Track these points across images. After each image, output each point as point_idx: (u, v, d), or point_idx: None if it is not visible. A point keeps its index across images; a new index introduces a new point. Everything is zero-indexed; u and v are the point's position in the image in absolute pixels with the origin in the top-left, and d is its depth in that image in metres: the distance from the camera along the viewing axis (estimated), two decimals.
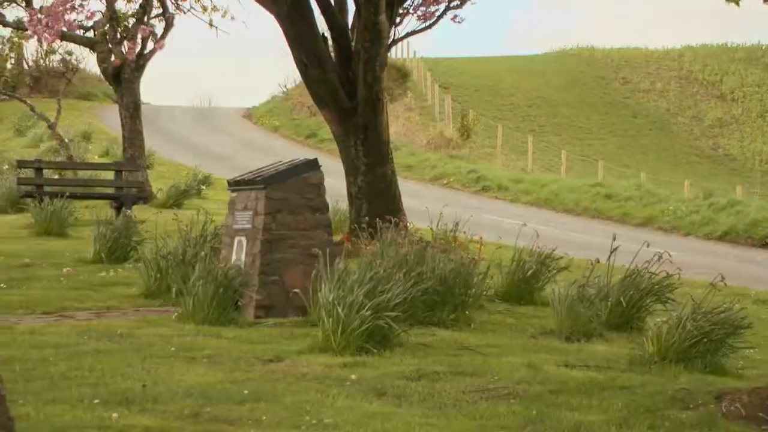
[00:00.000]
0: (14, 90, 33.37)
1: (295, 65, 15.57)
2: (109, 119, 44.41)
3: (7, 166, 25.59)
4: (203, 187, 24.23)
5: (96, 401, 6.19)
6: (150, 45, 22.85)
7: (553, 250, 11.77)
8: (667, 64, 54.65)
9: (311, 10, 15.23)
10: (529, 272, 11.91)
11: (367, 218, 13.51)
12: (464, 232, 12.91)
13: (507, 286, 11.90)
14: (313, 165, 10.94)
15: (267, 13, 15.21)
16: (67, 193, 18.00)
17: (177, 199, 21.90)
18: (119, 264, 13.62)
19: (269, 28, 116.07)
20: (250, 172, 11.24)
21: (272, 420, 5.95)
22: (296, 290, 10.48)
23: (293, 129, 43.37)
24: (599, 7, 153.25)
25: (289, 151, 37.93)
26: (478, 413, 6.30)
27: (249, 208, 10.70)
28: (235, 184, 10.99)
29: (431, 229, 12.75)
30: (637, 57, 56.23)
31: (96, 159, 29.77)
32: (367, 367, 7.64)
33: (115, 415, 5.85)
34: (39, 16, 19.96)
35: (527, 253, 11.92)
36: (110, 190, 20.02)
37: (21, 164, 19.88)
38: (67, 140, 26.61)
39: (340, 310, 8.26)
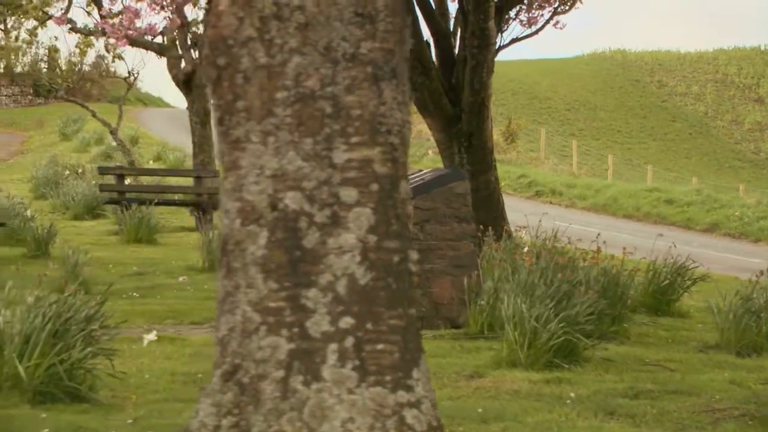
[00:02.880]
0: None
1: None
2: (146, 123, 44.33)
3: (67, 171, 25.50)
4: None
5: None
6: None
7: (693, 261, 11.66)
8: (701, 68, 54.44)
9: (416, 17, 15.07)
10: (665, 283, 11.80)
11: (481, 226, 13.36)
12: (567, 240, 12.73)
13: (642, 297, 11.79)
14: (459, 174, 10.82)
15: None
16: (156, 200, 17.92)
17: None
18: None
19: None
20: None
21: None
22: (445, 302, 10.41)
23: None
24: (599, 7, 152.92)
25: None
26: None
27: None
28: None
29: (533, 237, 12.59)
30: (670, 60, 56.01)
31: (151, 164, 29.70)
32: (573, 384, 7.48)
33: None
34: (115, 20, 19.87)
35: (662, 264, 11.83)
36: (179, 196, 19.79)
37: (102, 171, 19.76)
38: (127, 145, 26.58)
39: (527, 324, 8.11)
